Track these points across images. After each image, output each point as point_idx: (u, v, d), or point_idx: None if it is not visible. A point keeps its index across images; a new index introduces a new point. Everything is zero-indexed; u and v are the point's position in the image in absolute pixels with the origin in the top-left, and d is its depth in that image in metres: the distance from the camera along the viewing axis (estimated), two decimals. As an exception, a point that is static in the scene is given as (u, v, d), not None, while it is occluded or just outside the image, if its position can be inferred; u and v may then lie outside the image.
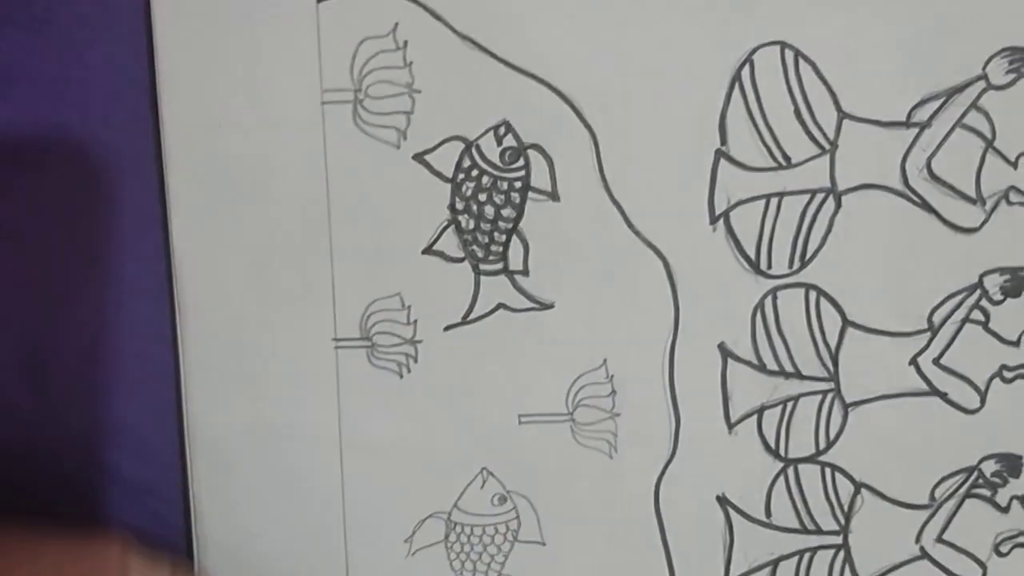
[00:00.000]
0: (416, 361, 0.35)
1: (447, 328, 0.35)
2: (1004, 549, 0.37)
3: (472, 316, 0.35)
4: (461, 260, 0.35)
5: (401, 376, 0.35)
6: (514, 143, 0.34)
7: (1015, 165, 0.35)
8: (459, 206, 0.35)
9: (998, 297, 0.35)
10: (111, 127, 0.34)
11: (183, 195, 0.34)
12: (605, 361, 0.36)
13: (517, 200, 0.35)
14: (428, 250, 0.35)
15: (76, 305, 0.35)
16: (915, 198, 0.35)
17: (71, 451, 0.36)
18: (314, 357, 0.35)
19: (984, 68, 0.34)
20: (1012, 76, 0.34)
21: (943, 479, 0.37)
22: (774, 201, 0.35)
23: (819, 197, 0.35)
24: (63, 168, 0.35)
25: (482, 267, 0.35)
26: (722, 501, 0.37)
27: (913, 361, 0.36)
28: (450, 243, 0.35)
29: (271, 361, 0.35)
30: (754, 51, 0.34)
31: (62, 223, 0.35)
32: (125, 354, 0.36)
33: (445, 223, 0.35)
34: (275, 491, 0.36)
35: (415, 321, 0.35)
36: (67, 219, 0.35)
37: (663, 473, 0.36)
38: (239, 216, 0.34)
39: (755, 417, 0.36)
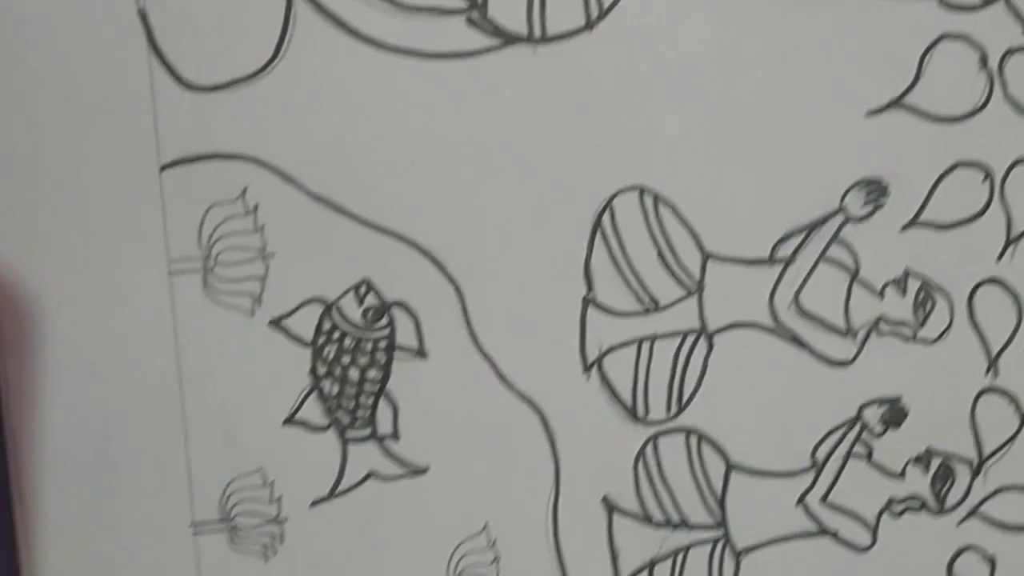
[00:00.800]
0: (282, 542, 0.33)
1: (314, 503, 0.33)
2: None
3: (340, 488, 0.33)
4: (326, 428, 0.33)
5: (266, 560, 0.33)
6: (376, 301, 0.33)
7: (882, 295, 0.35)
8: (321, 371, 0.33)
9: (879, 429, 0.35)
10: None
11: (23, 374, 0.32)
12: (486, 525, 0.34)
13: (383, 360, 0.33)
14: (290, 420, 0.33)
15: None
16: (786, 334, 0.35)
17: None
18: (170, 545, 0.33)
19: (842, 201, 0.34)
20: (870, 207, 0.34)
21: (844, 623, 0.36)
22: (646, 345, 0.34)
23: (691, 338, 0.34)
24: None
25: (349, 434, 0.33)
26: (620, 666, 0.35)
27: (801, 500, 0.35)
28: (313, 411, 0.33)
29: (124, 553, 0.33)
30: (613, 197, 0.34)
31: None
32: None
33: (307, 390, 0.33)
34: None
35: (279, 498, 0.33)
36: None
37: (555, 641, 0.34)
38: (84, 395, 0.32)
39: (646, 573, 0.35)
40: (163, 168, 0.32)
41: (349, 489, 0.33)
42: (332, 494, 0.33)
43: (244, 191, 0.32)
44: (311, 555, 0.33)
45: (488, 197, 0.33)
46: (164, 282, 0.32)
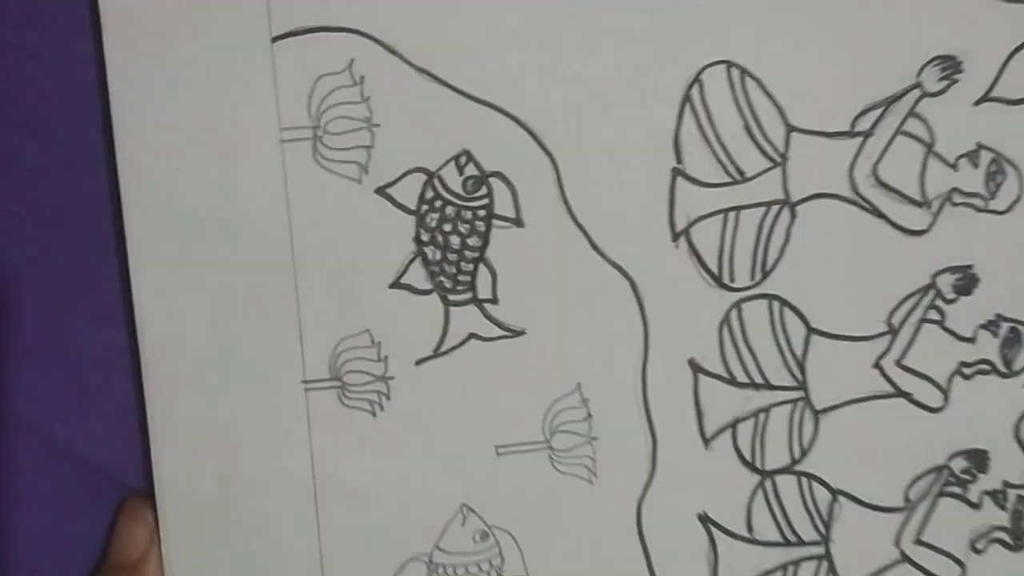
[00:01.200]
0: (388, 399, 0.35)
1: (418, 362, 0.35)
2: (980, 546, 0.38)
3: (443, 348, 0.35)
4: (429, 292, 0.35)
5: (374, 415, 0.35)
6: (476, 172, 0.35)
7: (955, 167, 0.36)
8: (424, 238, 0.35)
9: (951, 296, 0.37)
10: (67, 172, 0.34)
11: (142, 242, 0.34)
12: (579, 385, 0.36)
13: (482, 228, 0.35)
14: (395, 284, 0.35)
15: (36, 369, 0.34)
16: (865, 204, 0.36)
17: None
18: (284, 402, 0.35)
19: (918, 76, 0.36)
20: (945, 83, 0.36)
21: (915, 479, 0.37)
22: (732, 216, 0.36)
23: (774, 209, 0.36)
24: (13, 219, 0.34)
25: (451, 298, 0.35)
26: (704, 520, 0.37)
27: (877, 364, 0.37)
28: (417, 275, 0.35)
29: (239, 409, 0.35)
30: (702, 71, 0.35)
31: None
32: (89, 414, 0.35)
33: (411, 256, 0.35)
34: (249, 544, 0.35)
35: (386, 357, 0.35)
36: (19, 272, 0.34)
37: (643, 495, 0.36)
38: (200, 261, 0.34)
39: (730, 431, 0.37)
40: (275, 39, 0.33)
41: (451, 349, 0.35)
42: (435, 353, 0.35)
43: (351, 63, 0.34)
44: (416, 410, 0.35)
45: (582, 71, 0.34)
46: (276, 149, 0.34)
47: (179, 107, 0.33)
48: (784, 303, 0.36)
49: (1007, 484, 0.38)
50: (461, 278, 0.35)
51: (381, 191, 0.34)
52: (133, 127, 0.33)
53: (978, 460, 0.38)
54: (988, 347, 0.37)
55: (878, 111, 0.36)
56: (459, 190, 0.35)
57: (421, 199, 0.35)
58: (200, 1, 0.33)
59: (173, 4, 0.33)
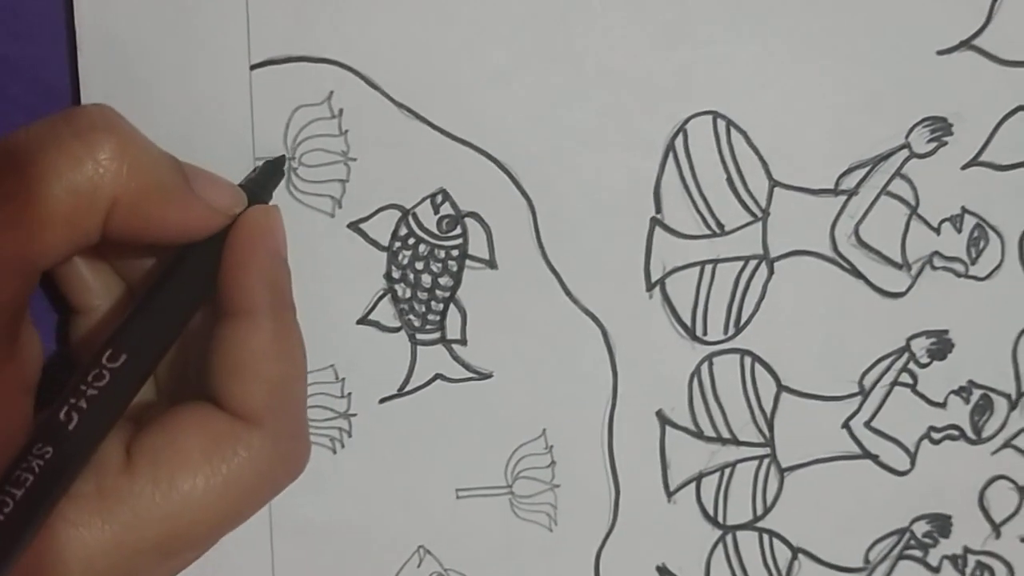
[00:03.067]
0: (350, 436, 0.35)
1: (382, 400, 0.35)
2: (936, 609, 0.39)
3: (408, 387, 0.35)
4: (397, 330, 0.35)
5: (334, 451, 0.35)
6: (451, 211, 0.35)
7: (938, 231, 0.37)
8: (395, 275, 0.35)
9: (925, 360, 0.37)
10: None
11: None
12: (544, 431, 0.36)
13: (454, 268, 0.35)
14: (363, 320, 0.35)
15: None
16: (844, 264, 0.36)
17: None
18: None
19: (907, 137, 0.36)
20: (933, 144, 0.36)
21: (876, 541, 0.38)
22: (708, 268, 0.36)
23: (752, 263, 0.36)
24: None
25: (419, 337, 0.35)
26: (662, 572, 0.37)
27: (846, 424, 0.37)
28: (386, 313, 0.35)
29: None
30: (687, 120, 0.35)
31: None
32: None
33: (381, 292, 0.35)
34: (201, 576, 0.35)
35: (349, 394, 0.35)
36: None
37: (603, 545, 0.37)
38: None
39: (694, 484, 0.37)
40: (253, 67, 0.33)
41: (416, 389, 0.35)
42: (400, 392, 0.35)
43: (331, 95, 0.33)
44: (377, 449, 0.35)
45: (566, 114, 0.34)
46: (250, 179, 0.33)
47: (153, 129, 0.33)
48: (756, 359, 0.37)
49: (968, 549, 0.38)
50: (430, 317, 0.35)
51: (354, 226, 0.34)
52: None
53: (941, 525, 0.38)
54: (958, 413, 0.38)
55: (864, 170, 0.36)
56: (433, 228, 0.35)
57: (394, 236, 0.35)
58: (179, 23, 0.32)
59: (151, 23, 0.32)
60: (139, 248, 0.30)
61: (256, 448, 0.28)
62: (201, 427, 0.28)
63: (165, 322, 0.29)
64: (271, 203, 0.32)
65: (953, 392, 0.38)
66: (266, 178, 0.33)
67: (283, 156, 0.33)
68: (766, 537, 0.37)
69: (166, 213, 0.28)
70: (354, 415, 0.35)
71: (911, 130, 0.36)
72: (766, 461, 0.37)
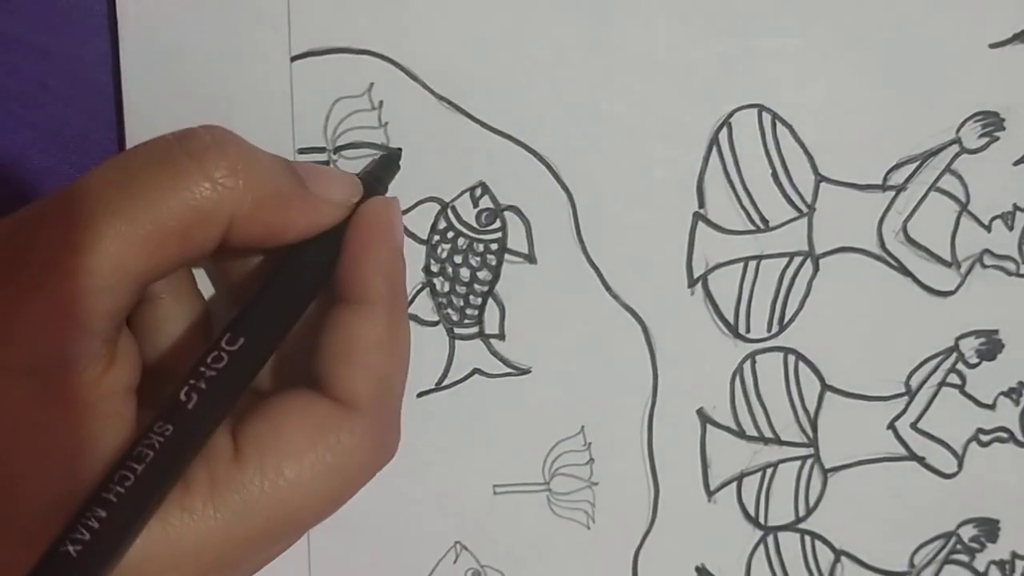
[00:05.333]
0: (388, 430, 0.36)
1: (420, 394, 0.36)
2: (983, 615, 0.38)
3: (446, 382, 0.36)
4: (435, 324, 0.35)
5: (372, 446, 0.36)
6: (491, 205, 0.35)
7: (988, 228, 0.36)
8: (434, 268, 0.35)
9: (974, 360, 0.37)
10: (77, 175, 0.34)
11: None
12: (583, 428, 0.36)
13: (493, 262, 0.35)
14: (401, 314, 0.35)
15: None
16: (892, 261, 0.36)
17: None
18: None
19: (958, 132, 0.36)
20: (985, 140, 0.36)
21: (922, 545, 0.38)
22: (752, 264, 0.36)
23: (797, 260, 0.36)
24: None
25: (457, 331, 0.35)
26: (702, 572, 0.37)
27: (891, 425, 0.37)
28: (424, 306, 0.35)
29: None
30: (732, 114, 0.35)
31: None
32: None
33: (419, 286, 0.35)
34: (238, 569, 0.36)
35: (387, 388, 0.35)
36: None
37: (642, 544, 0.37)
38: (204, 279, 0.34)
39: (735, 484, 0.37)
40: (294, 58, 0.33)
41: (454, 383, 0.36)
42: (438, 387, 0.36)
43: (371, 87, 0.34)
44: (414, 444, 0.36)
45: (608, 107, 0.35)
46: (289, 172, 0.34)
47: (193, 120, 0.33)
48: (800, 357, 0.37)
49: (1016, 555, 0.38)
50: (469, 311, 0.35)
51: (393, 219, 0.35)
52: (146, 136, 0.34)
53: (988, 529, 0.38)
54: (1008, 414, 0.38)
55: (913, 165, 0.36)
56: (472, 222, 0.35)
57: (433, 229, 0.35)
58: (220, 15, 0.33)
59: (192, 15, 0.33)
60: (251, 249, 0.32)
61: (358, 436, 0.29)
62: (305, 414, 0.29)
63: (282, 309, 0.30)
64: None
65: (1003, 393, 0.38)
66: (382, 170, 0.33)
67: (399, 149, 0.34)
68: (808, 539, 0.37)
69: (286, 219, 0.29)
70: (392, 406, 0.36)
71: (962, 125, 0.36)
72: (809, 461, 0.37)
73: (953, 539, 0.38)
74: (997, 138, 0.36)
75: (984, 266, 0.37)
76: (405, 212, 0.35)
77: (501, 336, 0.36)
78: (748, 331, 0.36)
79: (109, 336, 0.27)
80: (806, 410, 0.37)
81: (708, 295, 0.36)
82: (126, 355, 0.28)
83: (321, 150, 0.34)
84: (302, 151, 0.34)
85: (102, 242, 0.26)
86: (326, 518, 0.30)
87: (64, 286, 0.26)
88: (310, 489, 0.29)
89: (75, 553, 0.24)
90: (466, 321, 0.36)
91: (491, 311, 0.36)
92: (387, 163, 0.34)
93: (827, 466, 0.37)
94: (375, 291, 0.30)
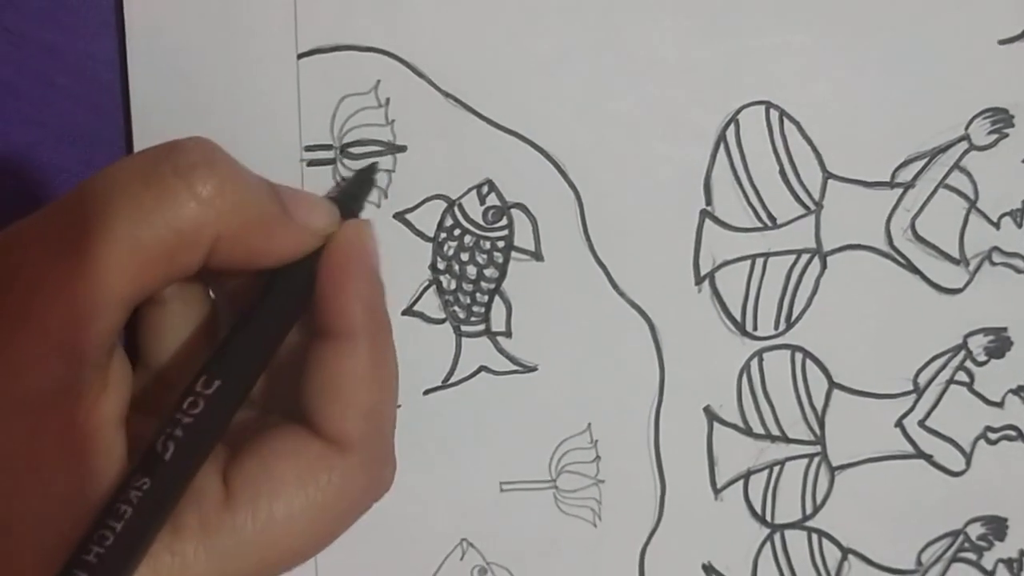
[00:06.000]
0: (394, 427, 0.36)
1: (427, 392, 0.36)
2: (991, 614, 0.38)
3: (453, 379, 0.36)
4: (442, 321, 0.36)
5: (379, 443, 0.36)
6: (497, 202, 0.35)
7: (998, 225, 0.36)
8: (441, 266, 0.35)
9: (982, 358, 0.37)
10: (84, 173, 0.34)
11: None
12: (589, 425, 0.36)
13: (500, 260, 0.35)
14: (408, 311, 0.35)
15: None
16: (900, 259, 0.36)
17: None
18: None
19: (967, 128, 0.36)
20: (994, 137, 0.36)
21: (929, 543, 0.38)
22: (760, 262, 0.36)
23: (804, 258, 0.36)
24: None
25: (463, 328, 0.36)
26: (708, 570, 0.37)
27: (899, 423, 0.37)
28: (431, 304, 0.35)
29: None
30: (739, 111, 0.35)
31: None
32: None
33: (426, 283, 0.35)
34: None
35: (394, 386, 0.36)
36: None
37: (648, 541, 0.37)
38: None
39: (741, 482, 0.37)
40: (300, 56, 0.34)
41: (461, 381, 0.36)
42: (444, 384, 0.36)
43: (377, 84, 0.34)
44: (421, 441, 0.36)
45: (614, 104, 0.35)
46: (297, 167, 0.34)
47: (200, 118, 0.34)
48: (807, 355, 0.37)
49: (1024, 553, 0.38)
50: (475, 309, 0.36)
51: (400, 216, 0.35)
52: (153, 134, 0.34)
53: (996, 527, 0.38)
54: (1016, 412, 0.38)
55: (921, 162, 0.36)
56: (479, 220, 0.35)
57: (440, 226, 0.35)
58: (227, 13, 0.33)
59: (199, 13, 0.33)
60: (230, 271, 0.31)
61: (347, 475, 0.29)
62: (295, 454, 0.29)
63: (257, 346, 0.29)
64: (363, 215, 0.33)
65: (1011, 391, 0.38)
66: (357, 189, 0.33)
67: (374, 164, 0.34)
68: (815, 537, 0.38)
69: (267, 244, 0.28)
70: (398, 406, 0.36)
71: (971, 121, 0.36)
72: (816, 459, 0.37)
73: (961, 537, 0.38)
74: (1006, 135, 0.36)
75: (993, 263, 0.37)
76: (411, 210, 0.35)
77: (508, 334, 0.36)
78: (755, 329, 0.36)
79: (100, 362, 0.27)
80: (813, 408, 0.37)
81: (715, 293, 0.36)
82: (117, 382, 0.27)
83: (328, 147, 0.34)
84: (309, 148, 0.34)
85: (86, 268, 0.25)
86: (318, 554, 0.30)
87: (49, 315, 0.25)
88: (300, 528, 0.28)
89: None
90: (473, 319, 0.36)
91: (498, 309, 0.36)
92: (362, 180, 0.33)
93: (834, 464, 0.37)
94: (355, 323, 0.29)
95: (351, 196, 0.32)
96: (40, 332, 0.25)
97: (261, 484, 0.28)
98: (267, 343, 0.29)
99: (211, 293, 0.32)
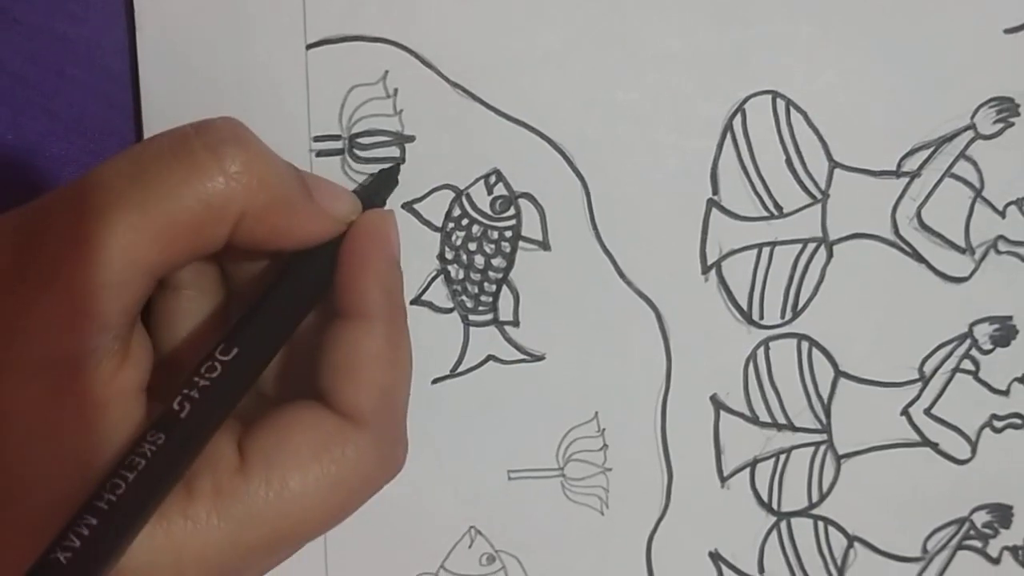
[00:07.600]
0: (403, 415, 0.36)
1: (435, 381, 0.36)
2: (996, 601, 0.39)
3: (461, 368, 0.36)
4: (450, 311, 0.36)
5: (387, 431, 0.36)
6: (505, 192, 0.35)
7: (1003, 214, 0.37)
8: (449, 255, 0.36)
9: (988, 347, 0.38)
10: (94, 163, 0.35)
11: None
12: (596, 414, 0.37)
13: (507, 249, 0.36)
14: (416, 300, 0.36)
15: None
16: (905, 248, 0.37)
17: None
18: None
19: (972, 118, 0.36)
20: (1000, 126, 0.36)
21: (935, 531, 0.38)
22: (766, 251, 0.37)
23: (811, 247, 0.37)
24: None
25: (471, 318, 0.36)
26: (715, 557, 0.38)
27: (905, 411, 0.38)
28: (439, 293, 0.36)
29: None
30: (746, 100, 0.36)
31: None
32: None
33: (434, 273, 0.36)
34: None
35: (402, 374, 0.36)
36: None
37: (655, 529, 0.38)
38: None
39: (748, 470, 0.38)
40: (309, 46, 0.34)
41: (469, 370, 0.36)
42: (452, 373, 0.36)
43: (386, 74, 0.34)
44: (429, 429, 0.36)
45: (621, 94, 0.35)
46: (305, 157, 0.35)
47: (209, 109, 0.34)
48: (814, 343, 0.37)
49: (1030, 541, 0.39)
50: (483, 298, 0.36)
51: (408, 206, 0.35)
52: (163, 124, 0.34)
53: (1002, 515, 0.39)
54: (1022, 400, 0.38)
55: (927, 151, 0.36)
56: (487, 209, 0.36)
57: (448, 216, 0.36)
58: (236, 3, 0.34)
59: (209, 3, 0.34)
60: (252, 252, 0.32)
61: (362, 450, 0.30)
62: (311, 427, 0.29)
63: (277, 322, 0.30)
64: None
65: (1017, 379, 0.38)
66: (380, 185, 0.34)
67: (398, 164, 0.35)
68: (821, 524, 0.38)
69: (290, 224, 0.29)
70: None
71: (976, 110, 0.36)
72: (822, 447, 0.38)
73: (966, 525, 0.39)
74: (1012, 124, 0.36)
75: (998, 252, 0.37)
76: (419, 200, 0.35)
77: (515, 323, 0.36)
78: (762, 317, 0.37)
79: (122, 332, 0.27)
80: (819, 396, 0.37)
81: (722, 281, 0.37)
82: (138, 353, 0.28)
83: (336, 137, 0.35)
84: (318, 138, 0.34)
85: (114, 235, 0.26)
86: (329, 530, 0.30)
87: (76, 280, 0.26)
88: (314, 501, 0.29)
89: (65, 560, 0.25)
90: (480, 308, 0.36)
91: (505, 298, 0.36)
92: (386, 178, 0.34)
93: (840, 452, 0.38)
94: (374, 304, 0.30)
95: (373, 191, 0.34)
96: (66, 296, 0.26)
97: (276, 454, 0.29)
98: (286, 321, 0.30)
99: (226, 278, 0.33)
